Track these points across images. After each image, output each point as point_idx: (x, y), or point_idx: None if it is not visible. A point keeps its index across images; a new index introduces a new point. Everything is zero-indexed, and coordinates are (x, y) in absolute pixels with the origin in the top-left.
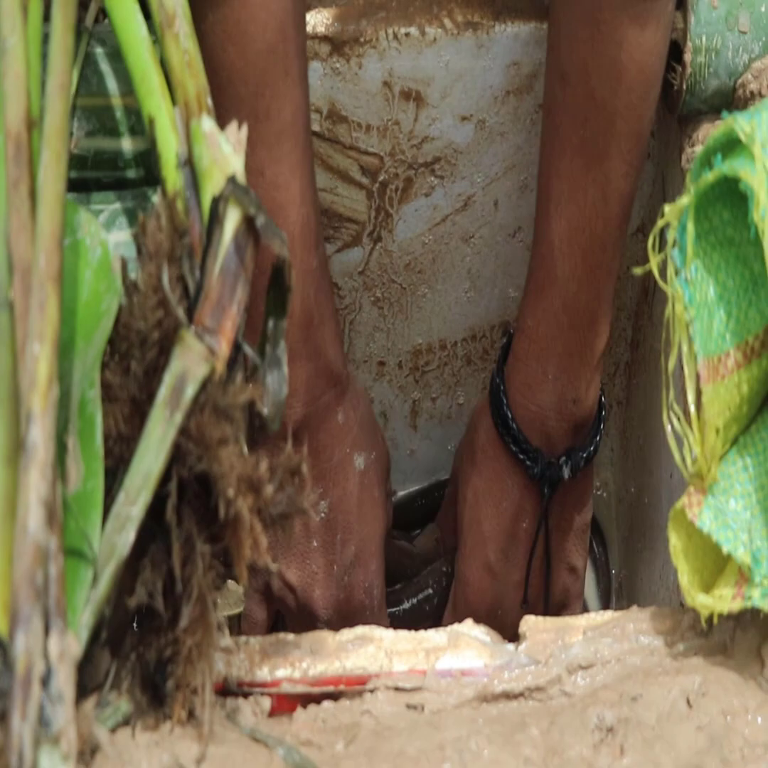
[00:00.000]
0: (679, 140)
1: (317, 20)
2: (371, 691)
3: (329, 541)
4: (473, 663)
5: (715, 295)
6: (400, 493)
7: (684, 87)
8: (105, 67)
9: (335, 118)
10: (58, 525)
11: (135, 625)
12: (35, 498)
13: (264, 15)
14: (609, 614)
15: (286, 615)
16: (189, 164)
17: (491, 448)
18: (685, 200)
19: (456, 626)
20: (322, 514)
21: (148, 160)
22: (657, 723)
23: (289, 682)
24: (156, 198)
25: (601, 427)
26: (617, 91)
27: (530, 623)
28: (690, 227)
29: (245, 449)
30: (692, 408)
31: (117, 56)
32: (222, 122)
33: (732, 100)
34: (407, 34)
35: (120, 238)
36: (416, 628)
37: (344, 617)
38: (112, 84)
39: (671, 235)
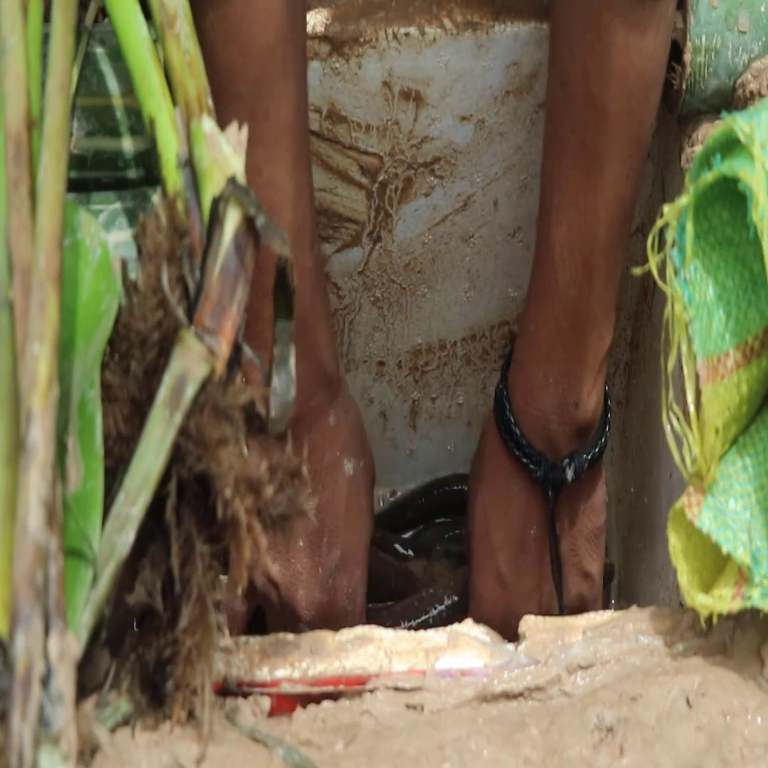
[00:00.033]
0: (678, 140)
1: (317, 20)
2: (371, 691)
3: (316, 543)
4: (473, 663)
5: (715, 295)
6: (400, 493)
7: (684, 87)
8: (105, 67)
9: (335, 118)
10: (58, 525)
11: (135, 625)
12: (35, 498)
13: (265, 15)
14: (608, 614)
15: (268, 611)
16: (189, 165)
17: (497, 457)
18: (684, 200)
19: (456, 626)
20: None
21: (148, 160)
22: (657, 723)
23: (288, 682)
24: (156, 198)
25: (607, 428)
26: (617, 96)
27: (530, 623)
28: (689, 227)
29: (245, 450)
30: (692, 408)
31: (117, 56)
32: (220, 121)
33: (732, 99)
34: (407, 34)
35: (120, 238)
36: None
37: (326, 620)
38: (112, 84)
39: (670, 235)
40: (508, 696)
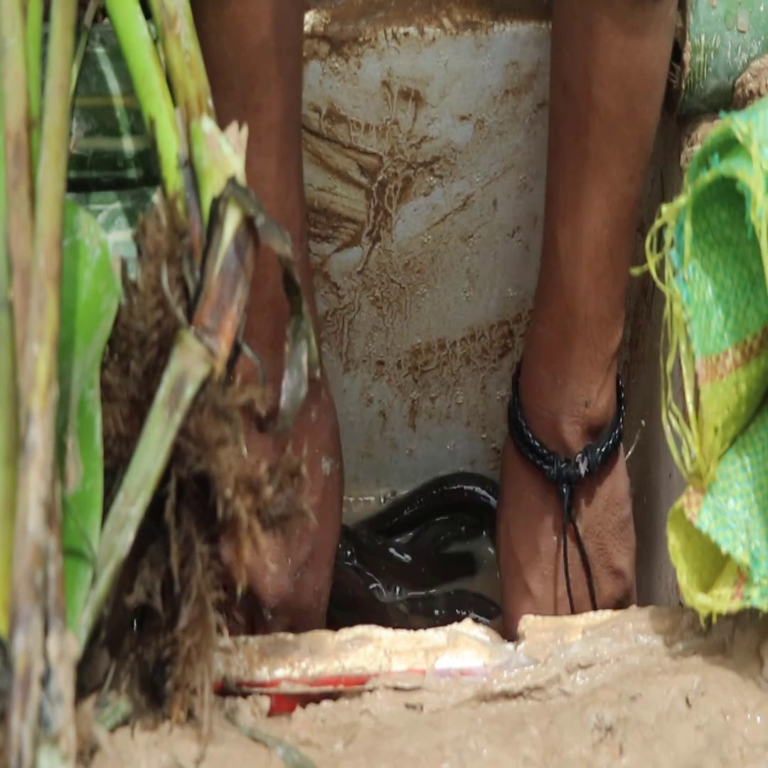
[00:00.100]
0: (678, 140)
1: (316, 20)
2: (370, 690)
3: (288, 534)
4: (472, 662)
5: (714, 295)
6: (399, 493)
7: (683, 86)
8: (104, 66)
9: (334, 118)
10: (57, 525)
11: (134, 625)
12: (35, 498)
13: (259, 10)
14: (608, 614)
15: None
16: (189, 165)
17: (515, 471)
18: (682, 200)
19: (455, 626)
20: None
21: (148, 160)
22: (656, 722)
23: (288, 682)
24: (155, 198)
25: (621, 421)
26: (619, 98)
27: (529, 623)
28: (688, 227)
29: (244, 450)
30: (690, 407)
31: (116, 56)
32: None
33: (731, 99)
34: (406, 34)
35: (119, 238)
36: None
37: (291, 614)
38: (111, 84)
39: (669, 235)
40: (507, 695)
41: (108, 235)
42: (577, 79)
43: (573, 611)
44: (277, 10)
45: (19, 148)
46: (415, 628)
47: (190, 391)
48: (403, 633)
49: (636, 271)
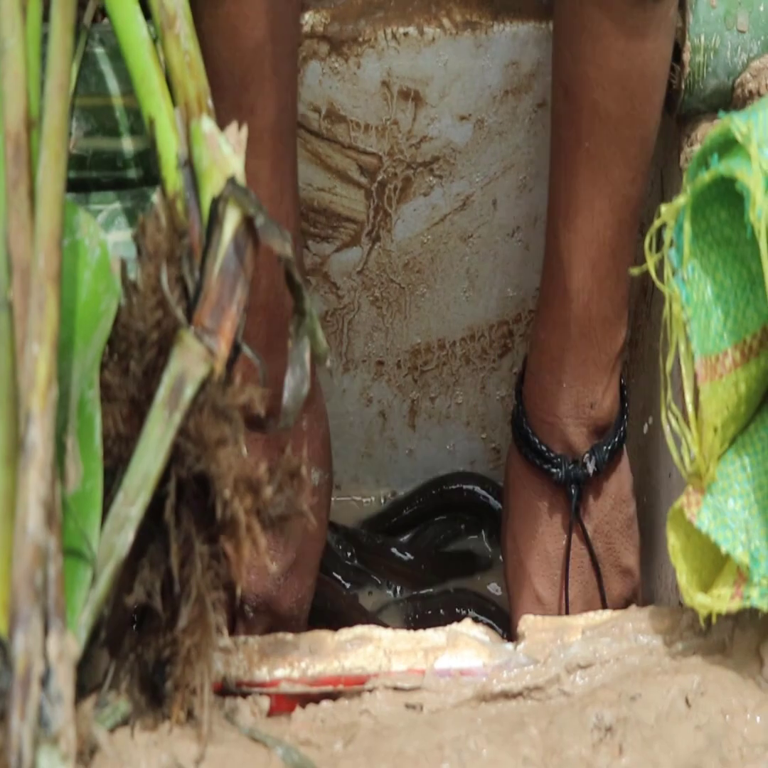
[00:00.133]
0: (677, 140)
1: (316, 20)
2: (370, 690)
3: (274, 537)
4: (472, 662)
5: (713, 295)
6: (399, 493)
7: (682, 86)
8: (104, 66)
9: (334, 118)
10: (57, 525)
11: (134, 625)
12: (34, 498)
13: (254, 13)
14: (607, 613)
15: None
16: (189, 165)
17: (520, 479)
18: (681, 200)
19: (454, 626)
20: None
21: (147, 159)
22: (656, 722)
23: (287, 682)
24: (155, 198)
25: (625, 418)
26: (620, 99)
27: (528, 623)
28: (687, 227)
29: (244, 450)
30: (690, 407)
31: (115, 56)
32: None
33: (731, 99)
34: (406, 34)
35: (119, 238)
36: None
37: (272, 616)
38: (110, 84)
39: (668, 235)
40: (507, 695)
41: (107, 235)
42: (578, 82)
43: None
44: (273, 13)
45: (19, 148)
46: (415, 629)
47: (189, 391)
48: (402, 633)
49: (635, 271)
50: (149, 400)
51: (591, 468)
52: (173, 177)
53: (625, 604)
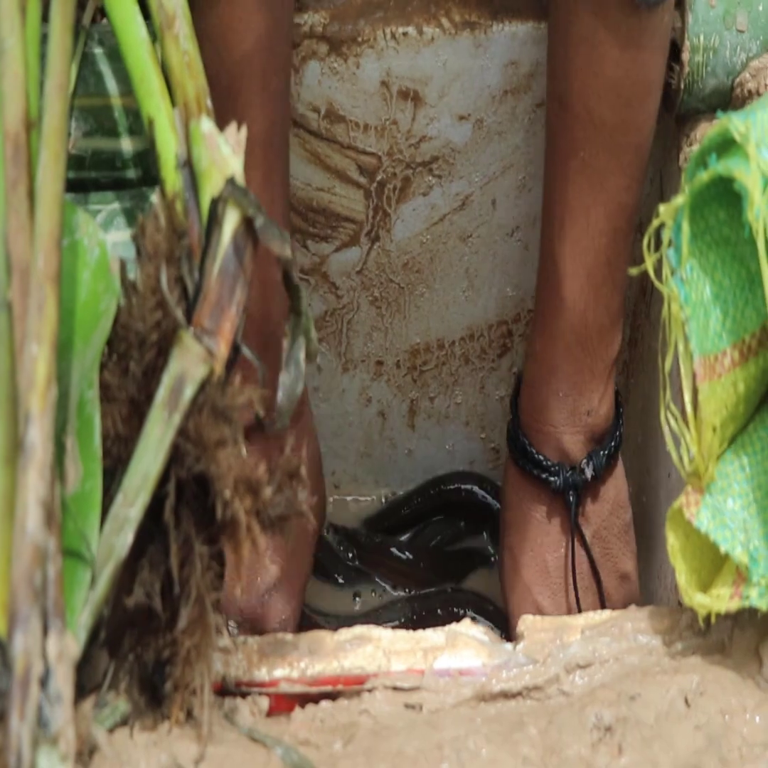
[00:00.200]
0: (677, 139)
1: (315, 20)
2: (369, 690)
3: (259, 553)
4: (471, 662)
5: (712, 294)
6: (398, 493)
7: (682, 86)
8: (103, 67)
9: (333, 118)
10: (56, 526)
11: (133, 625)
12: (34, 498)
13: (242, 27)
14: (607, 613)
15: None
16: (188, 165)
17: (517, 489)
18: (679, 200)
19: (454, 626)
20: None
21: (146, 160)
22: (655, 722)
23: (287, 682)
24: (154, 198)
25: (620, 423)
26: (615, 108)
27: (528, 623)
28: (685, 227)
29: (243, 451)
30: (689, 407)
31: (115, 56)
32: None
33: (730, 99)
34: (405, 34)
35: (118, 238)
36: None
37: (255, 634)
38: (110, 84)
39: (666, 235)
40: (506, 695)
41: (107, 236)
42: (573, 90)
43: None
44: (261, 27)
45: (18, 148)
46: (413, 628)
47: (189, 392)
48: (402, 633)
49: (634, 271)
50: (149, 400)
51: (589, 473)
52: (172, 177)
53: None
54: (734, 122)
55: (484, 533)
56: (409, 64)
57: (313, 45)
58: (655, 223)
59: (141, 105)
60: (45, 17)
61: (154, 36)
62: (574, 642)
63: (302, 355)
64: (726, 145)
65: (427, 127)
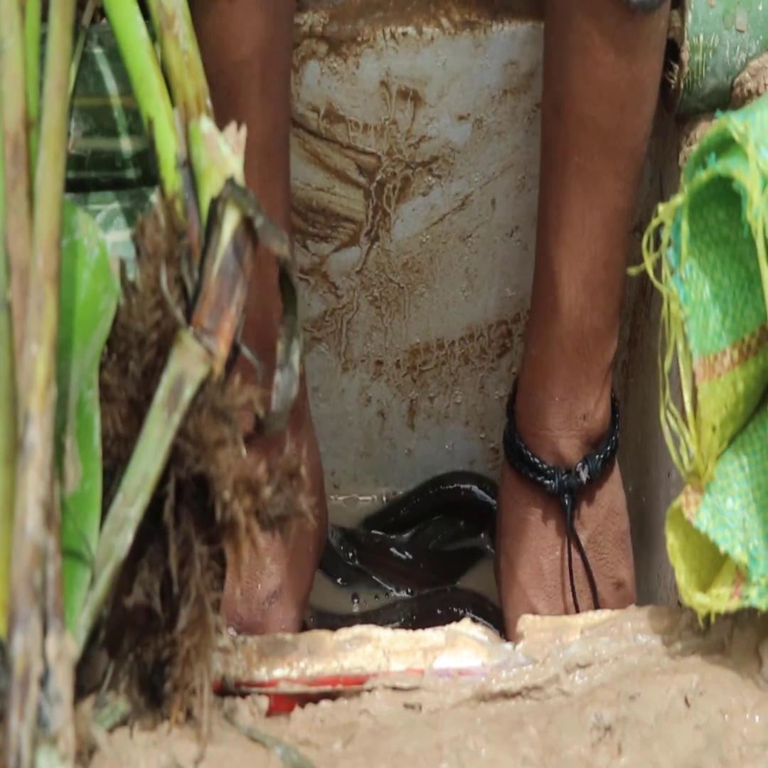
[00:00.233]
0: (676, 139)
1: (314, 20)
2: (369, 690)
3: (259, 562)
4: (471, 662)
5: (711, 294)
6: (398, 493)
7: (681, 86)
8: (102, 67)
9: (332, 118)
10: (56, 526)
11: (133, 626)
12: (33, 499)
13: (240, 30)
14: (607, 613)
15: None
16: (188, 165)
17: (513, 493)
18: (679, 199)
19: (453, 625)
20: None
21: (146, 160)
22: (655, 722)
23: (286, 682)
24: (154, 198)
25: (616, 428)
26: (610, 112)
27: (528, 622)
28: (684, 226)
29: (243, 451)
30: (688, 406)
31: (114, 56)
32: None
33: (729, 98)
34: (404, 34)
35: (118, 238)
36: None
37: None
38: (109, 84)
39: (666, 235)
40: (506, 695)
41: (106, 235)
42: (568, 95)
43: None
44: (260, 31)
45: (18, 148)
46: (413, 629)
47: (188, 392)
48: (401, 633)
49: (633, 270)
50: (148, 400)
51: (584, 476)
52: (172, 177)
53: None
54: (733, 122)
55: (483, 533)
56: (409, 64)
57: (313, 45)
58: (655, 222)
59: (140, 105)
60: (44, 17)
61: (154, 36)
62: (573, 642)
63: (297, 358)
64: (725, 145)
65: (426, 126)
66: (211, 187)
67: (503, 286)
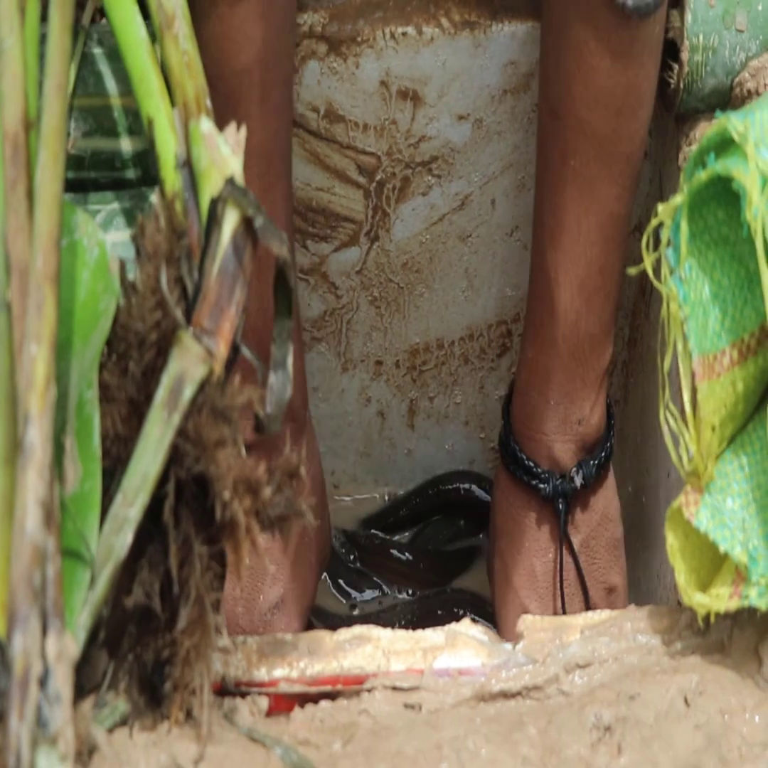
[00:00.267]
0: (676, 139)
1: (314, 20)
2: (369, 690)
3: (261, 572)
4: (471, 662)
5: (710, 294)
6: (398, 493)
7: (681, 86)
8: (102, 67)
9: (332, 118)
10: (55, 526)
11: (133, 626)
12: (33, 499)
13: (241, 38)
14: (606, 613)
15: None
16: (187, 165)
17: (508, 495)
18: (678, 199)
19: (453, 625)
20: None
21: (146, 160)
22: (655, 722)
23: (286, 682)
24: (153, 198)
25: (611, 434)
26: (606, 118)
27: (527, 622)
28: (684, 226)
29: (243, 451)
30: (688, 406)
31: (114, 56)
32: None
33: (729, 98)
34: (404, 34)
35: (117, 238)
36: None
37: None
38: (109, 84)
39: (665, 234)
40: (506, 695)
41: (106, 236)
42: (564, 100)
43: None
44: (262, 39)
45: (17, 148)
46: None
47: (188, 392)
48: (401, 633)
49: (633, 270)
50: (148, 400)
51: (578, 481)
52: (172, 177)
53: None
54: (733, 122)
55: (483, 533)
56: (409, 64)
57: (313, 45)
58: (654, 222)
59: (140, 105)
60: (44, 17)
61: (154, 36)
62: (573, 642)
63: (290, 359)
64: (724, 145)
65: (426, 126)
66: (210, 187)
67: (503, 285)
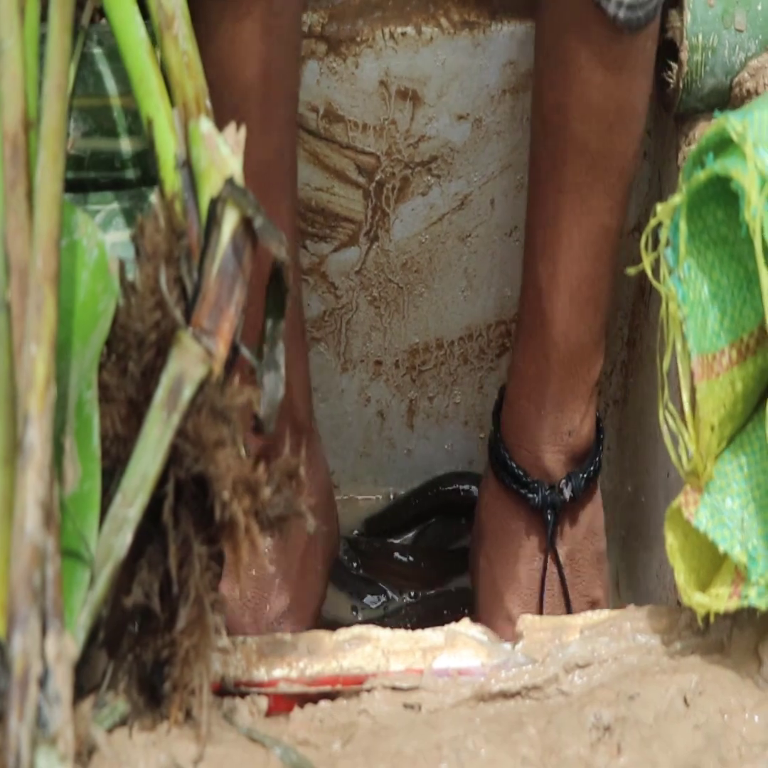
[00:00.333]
0: (675, 139)
1: (314, 20)
2: (368, 690)
3: (268, 581)
4: (470, 662)
5: (710, 294)
6: (397, 493)
7: (680, 85)
8: (102, 67)
9: (332, 118)
10: (55, 526)
11: (132, 626)
12: (32, 499)
13: (244, 53)
14: (606, 613)
15: None
16: (187, 165)
17: (495, 501)
18: (677, 199)
19: (453, 625)
20: (266, 551)
21: (145, 160)
22: (654, 722)
23: (286, 682)
24: (153, 198)
25: (600, 448)
26: (598, 132)
27: (527, 622)
28: (682, 226)
29: (242, 451)
30: (687, 406)
31: (113, 56)
32: None
33: (729, 98)
34: (404, 34)
35: (117, 238)
36: None
37: None
38: (108, 84)
39: (664, 234)
40: (505, 695)
41: (106, 236)
42: (557, 114)
43: None
44: (267, 56)
45: (17, 148)
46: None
47: (188, 393)
48: (401, 633)
49: (632, 270)
50: (147, 401)
51: (567, 494)
52: (171, 177)
53: None
54: (732, 122)
55: None
56: (408, 64)
57: (312, 44)
58: (653, 222)
59: (140, 105)
60: (44, 17)
61: (154, 36)
62: (572, 642)
63: (282, 359)
64: (723, 145)
65: (425, 126)
66: (210, 188)
67: (502, 285)
